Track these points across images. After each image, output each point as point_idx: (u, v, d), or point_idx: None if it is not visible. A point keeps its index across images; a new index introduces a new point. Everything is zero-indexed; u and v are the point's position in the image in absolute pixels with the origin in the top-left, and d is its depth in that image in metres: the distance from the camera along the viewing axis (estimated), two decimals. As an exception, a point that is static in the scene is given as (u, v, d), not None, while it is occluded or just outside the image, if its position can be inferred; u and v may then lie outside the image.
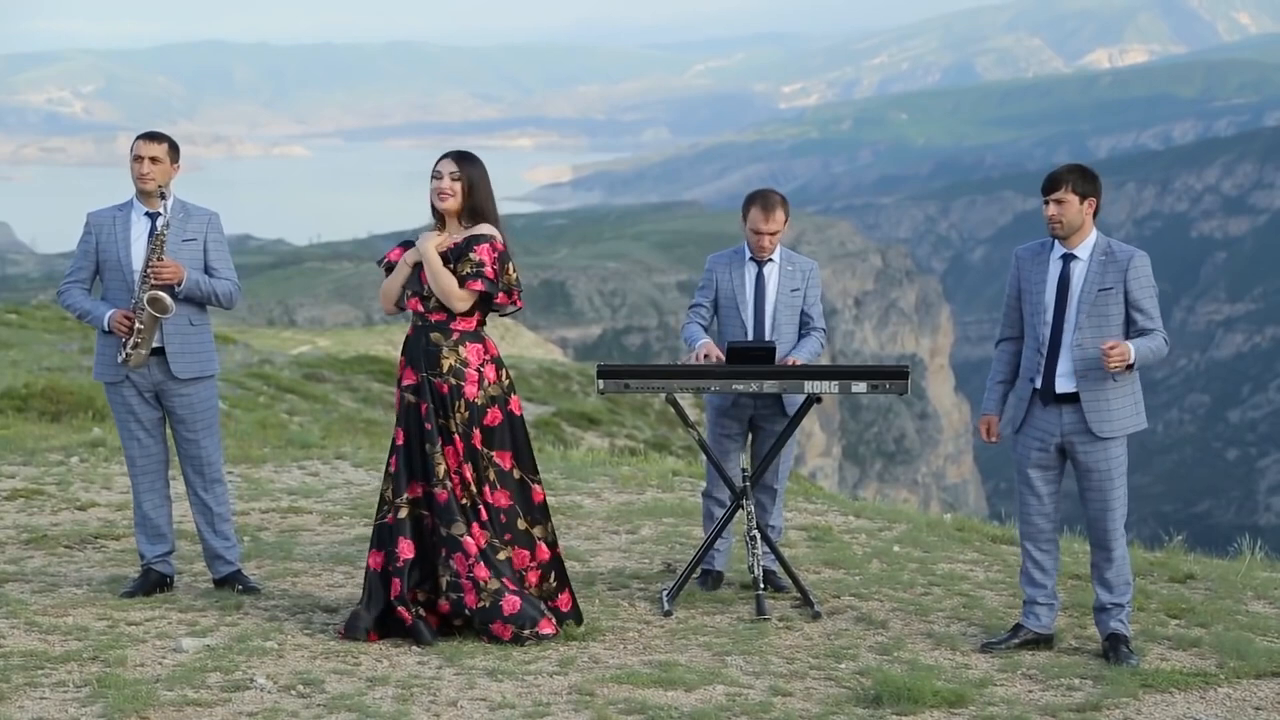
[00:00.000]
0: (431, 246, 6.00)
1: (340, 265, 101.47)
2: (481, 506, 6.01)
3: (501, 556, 6.01)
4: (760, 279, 6.91)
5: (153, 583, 6.68)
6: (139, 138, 6.59)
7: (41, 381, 15.74)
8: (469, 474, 5.99)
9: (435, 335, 6.02)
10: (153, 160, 6.49)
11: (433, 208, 6.10)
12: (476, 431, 6.01)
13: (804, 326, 6.96)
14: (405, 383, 6.03)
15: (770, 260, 6.92)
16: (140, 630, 6.03)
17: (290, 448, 11.65)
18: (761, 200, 6.86)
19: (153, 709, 5.04)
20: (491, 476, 6.04)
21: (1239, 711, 5.25)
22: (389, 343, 39.19)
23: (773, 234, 6.84)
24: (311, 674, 5.46)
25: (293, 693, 5.26)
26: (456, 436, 5.99)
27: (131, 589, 6.64)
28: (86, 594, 6.65)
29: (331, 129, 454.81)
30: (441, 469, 5.95)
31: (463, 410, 5.99)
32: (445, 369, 5.99)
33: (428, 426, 5.97)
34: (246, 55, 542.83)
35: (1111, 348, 5.68)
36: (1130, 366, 5.75)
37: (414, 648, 5.83)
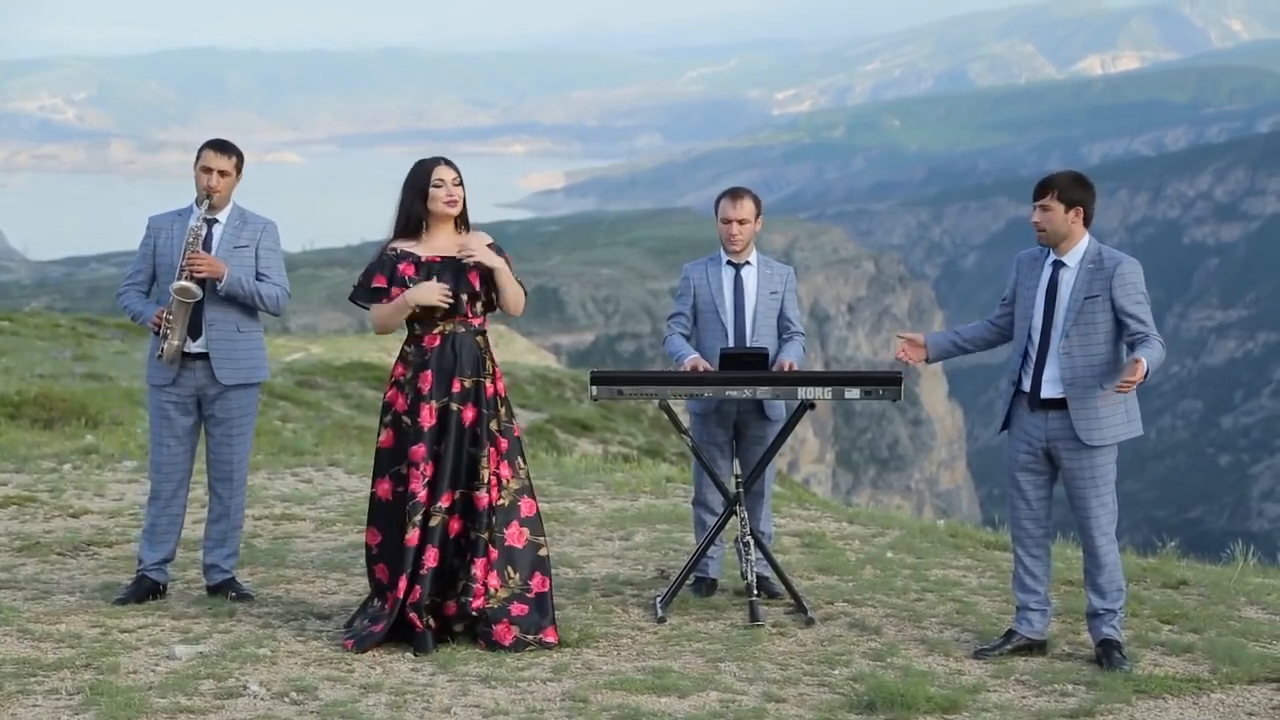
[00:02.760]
0: (493, 254, 6.02)
1: (334, 272, 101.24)
2: (526, 499, 6.07)
3: (543, 553, 6.08)
4: (739, 282, 6.93)
5: (145, 590, 6.68)
6: (208, 147, 6.58)
7: (34, 389, 15.75)
8: (507, 473, 6.03)
9: (480, 339, 6.08)
10: (221, 174, 6.52)
11: (408, 216, 6.09)
12: (515, 425, 6.14)
13: (784, 331, 6.98)
14: (454, 390, 5.98)
15: (748, 264, 6.95)
16: (133, 637, 6.02)
17: (283, 454, 11.65)
18: (729, 192, 7.00)
19: (146, 716, 5.03)
20: (524, 469, 6.15)
21: (1231, 717, 5.26)
22: (382, 349, 39.14)
23: (741, 221, 6.88)
24: (305, 681, 5.45)
25: (286, 700, 5.26)
26: (499, 436, 6.03)
27: (124, 596, 6.64)
28: (79, 601, 6.64)
29: (325, 135, 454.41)
30: (486, 473, 5.97)
31: (506, 407, 6.09)
32: (492, 370, 6.07)
33: (478, 431, 5.99)
34: (239, 62, 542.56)
35: (1134, 373, 5.61)
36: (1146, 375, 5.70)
37: (408, 654, 5.83)
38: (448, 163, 6.13)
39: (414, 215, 6.08)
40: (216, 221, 6.55)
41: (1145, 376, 5.67)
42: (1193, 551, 8.77)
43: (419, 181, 6.08)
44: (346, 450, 12.29)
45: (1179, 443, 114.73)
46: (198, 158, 6.56)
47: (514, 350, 52.34)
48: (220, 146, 6.59)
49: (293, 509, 9.09)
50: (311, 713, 5.13)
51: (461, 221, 6.14)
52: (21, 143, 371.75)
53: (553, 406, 26.28)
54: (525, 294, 6.14)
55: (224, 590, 6.72)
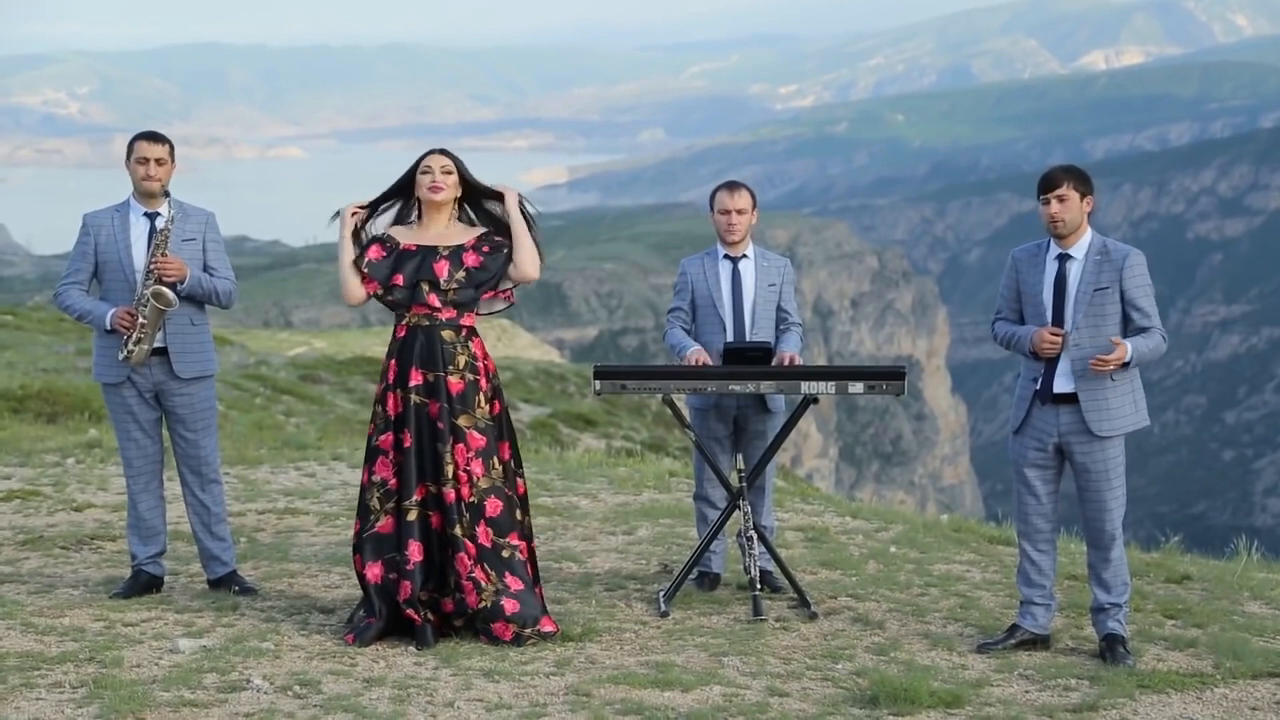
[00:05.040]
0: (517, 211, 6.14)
1: (336, 266, 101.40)
2: (493, 499, 6.01)
3: (506, 554, 6.01)
4: (736, 275, 6.92)
5: (143, 584, 6.69)
6: (140, 138, 6.59)
7: (38, 383, 15.76)
8: (478, 470, 5.99)
9: (448, 333, 6.03)
10: (158, 162, 6.51)
11: (393, 195, 6.16)
12: (492, 425, 6.06)
13: (781, 322, 6.98)
14: (413, 383, 5.98)
15: (745, 256, 6.94)
16: (136, 631, 6.03)
17: (286, 449, 11.67)
18: (725, 184, 7.02)
19: (149, 710, 5.03)
20: (500, 468, 6.07)
21: (1235, 712, 5.26)
22: (385, 345, 39.20)
23: (740, 211, 6.88)
24: (308, 675, 5.46)
25: (289, 693, 5.26)
26: (470, 433, 5.98)
27: (121, 591, 6.64)
28: (83, 595, 6.65)
29: (327, 131, 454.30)
30: (451, 469, 5.94)
31: (481, 404, 6.02)
32: (461, 365, 6.01)
33: (440, 426, 5.96)
34: (241, 57, 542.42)
35: (1110, 353, 5.68)
36: (1126, 365, 5.75)
37: (411, 648, 5.83)
38: (442, 151, 6.15)
39: (401, 197, 6.16)
40: (159, 215, 6.53)
41: (1128, 365, 5.73)
42: (1196, 547, 8.76)
43: (412, 168, 6.15)
44: (349, 444, 12.30)
45: (1182, 438, 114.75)
46: (129, 153, 6.53)
47: (517, 345, 52.36)
48: (151, 136, 6.60)
49: (295, 503, 9.10)
50: (315, 707, 5.13)
51: (463, 212, 6.17)
52: (25, 137, 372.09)
53: (556, 401, 26.30)
54: (541, 257, 6.17)
55: (227, 584, 6.72)
